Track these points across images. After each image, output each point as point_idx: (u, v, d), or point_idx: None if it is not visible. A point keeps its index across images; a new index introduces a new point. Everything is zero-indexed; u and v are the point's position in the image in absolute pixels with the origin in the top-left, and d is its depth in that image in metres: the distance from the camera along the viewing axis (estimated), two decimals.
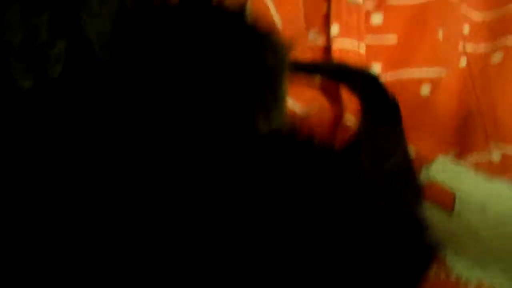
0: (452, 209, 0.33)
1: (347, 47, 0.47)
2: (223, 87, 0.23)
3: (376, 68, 0.47)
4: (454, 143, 0.45)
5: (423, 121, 0.45)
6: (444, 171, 0.36)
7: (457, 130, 0.46)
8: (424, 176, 0.36)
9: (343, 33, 0.48)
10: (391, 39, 0.48)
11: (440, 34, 0.47)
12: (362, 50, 0.47)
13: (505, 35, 0.48)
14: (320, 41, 0.49)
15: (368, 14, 0.49)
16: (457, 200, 0.33)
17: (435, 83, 0.46)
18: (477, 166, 0.40)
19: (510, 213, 0.32)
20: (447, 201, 0.34)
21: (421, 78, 0.45)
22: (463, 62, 0.48)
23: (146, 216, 0.17)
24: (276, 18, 0.42)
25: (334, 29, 0.48)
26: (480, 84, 0.46)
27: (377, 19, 0.49)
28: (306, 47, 0.48)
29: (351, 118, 0.42)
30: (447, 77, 0.47)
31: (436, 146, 0.42)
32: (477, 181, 0.36)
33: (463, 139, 0.45)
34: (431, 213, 0.34)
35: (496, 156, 0.42)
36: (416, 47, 0.47)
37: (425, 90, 0.45)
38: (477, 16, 0.50)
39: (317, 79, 0.45)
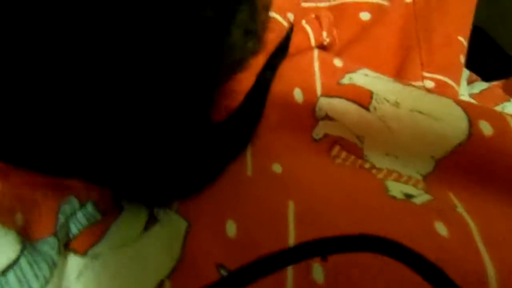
0: (369, 104, 0.34)
1: None
2: None
3: None
4: (390, 74, 0.46)
5: (361, 46, 0.45)
6: (365, 77, 0.37)
7: (394, 61, 0.47)
8: (345, 80, 0.36)
9: None
10: None
11: None
12: None
13: None
14: None
15: None
16: (374, 96, 0.34)
17: (375, 12, 0.46)
18: None
19: (420, 109, 0.33)
20: (364, 97, 0.34)
21: (361, 4, 0.46)
22: None
23: None
24: None
25: None
26: (422, 16, 0.47)
27: None
28: None
29: None
30: (391, 10, 0.47)
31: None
32: (394, 84, 0.36)
33: (401, 70, 0.46)
34: (350, 109, 0.34)
35: (428, 84, 0.43)
36: None
37: (364, 16, 0.46)
38: None
39: None
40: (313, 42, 0.42)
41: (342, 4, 0.46)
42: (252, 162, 0.34)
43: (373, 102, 0.34)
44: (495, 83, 0.56)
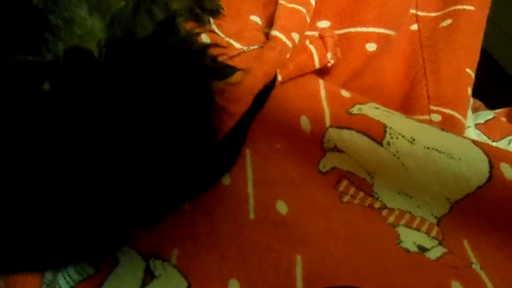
0: (382, 138, 0.32)
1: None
2: None
3: (325, 25, 0.46)
4: (397, 106, 0.44)
5: (366, 77, 0.44)
6: (376, 109, 0.35)
7: (402, 92, 0.45)
8: (354, 109, 0.34)
9: None
10: None
11: None
12: (313, 1, 0.46)
13: (455, 4, 0.48)
14: None
15: None
16: (387, 130, 0.32)
17: (381, 43, 0.45)
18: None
19: (437, 147, 0.31)
20: (377, 131, 0.32)
21: (367, 35, 0.44)
22: (414, 26, 0.48)
23: None
24: None
25: None
26: (428, 46, 0.46)
27: None
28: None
29: None
30: (397, 38, 0.46)
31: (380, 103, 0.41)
32: (407, 120, 0.34)
33: (406, 101, 0.44)
34: (361, 142, 0.32)
35: (435, 118, 0.41)
36: (364, 6, 0.46)
37: (370, 47, 0.44)
38: None
39: None
40: (317, 63, 0.40)
41: (348, 33, 0.44)
42: (254, 197, 0.32)
43: (387, 136, 0.32)
44: (499, 111, 0.54)
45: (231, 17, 0.45)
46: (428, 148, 0.31)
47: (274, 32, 0.37)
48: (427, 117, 0.42)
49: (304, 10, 0.41)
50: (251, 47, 0.40)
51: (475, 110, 0.53)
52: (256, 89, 0.36)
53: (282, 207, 0.31)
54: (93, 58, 0.24)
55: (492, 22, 0.49)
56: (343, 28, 0.46)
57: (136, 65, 0.24)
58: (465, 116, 0.43)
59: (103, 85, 0.23)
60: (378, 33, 0.45)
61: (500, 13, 0.50)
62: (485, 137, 0.47)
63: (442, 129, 0.33)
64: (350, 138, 0.33)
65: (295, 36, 0.38)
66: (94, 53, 0.24)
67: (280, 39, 0.37)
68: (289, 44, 0.37)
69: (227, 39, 0.42)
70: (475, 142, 0.31)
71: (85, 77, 0.23)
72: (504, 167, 0.29)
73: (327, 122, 0.34)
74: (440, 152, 0.30)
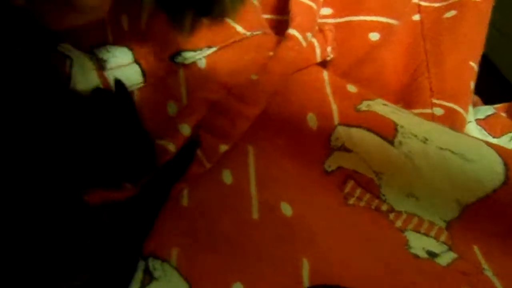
0: (393, 137, 0.30)
1: None
2: None
3: (327, 12, 0.44)
4: (397, 98, 0.43)
5: (367, 67, 0.42)
6: (385, 106, 0.33)
7: (402, 84, 0.44)
8: (363, 106, 0.33)
9: None
10: None
11: None
12: None
13: None
14: None
15: None
16: (399, 129, 0.31)
17: (384, 32, 0.43)
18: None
19: (451, 148, 0.29)
20: (388, 130, 0.31)
21: (370, 24, 0.43)
22: (416, 16, 0.46)
23: None
24: None
25: None
26: (431, 38, 0.44)
27: None
28: None
29: None
30: (398, 28, 0.45)
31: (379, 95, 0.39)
32: (418, 119, 0.33)
33: (407, 94, 0.43)
34: (372, 141, 0.31)
35: (438, 112, 0.40)
36: None
37: (373, 36, 0.43)
38: None
39: None
40: (318, 57, 0.39)
41: (350, 22, 0.43)
42: (258, 198, 0.30)
43: (399, 136, 0.30)
44: (498, 106, 0.54)
45: None
46: (442, 148, 0.29)
47: (292, 31, 0.36)
48: (429, 110, 0.41)
49: (315, 7, 0.39)
50: (254, 33, 0.38)
51: (473, 105, 0.52)
52: (272, 91, 0.34)
53: (286, 209, 0.30)
54: None
55: None
56: (346, 16, 0.44)
57: None
58: (467, 110, 0.42)
59: None
60: (382, 22, 0.43)
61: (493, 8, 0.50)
62: (486, 133, 0.46)
63: (454, 130, 0.32)
64: (359, 136, 0.31)
65: (309, 35, 0.36)
66: None
67: (298, 39, 0.35)
68: (304, 43, 0.36)
69: (230, 20, 0.39)
70: (488, 144, 0.30)
71: None
72: None
73: (336, 119, 0.32)
74: (453, 153, 0.29)
